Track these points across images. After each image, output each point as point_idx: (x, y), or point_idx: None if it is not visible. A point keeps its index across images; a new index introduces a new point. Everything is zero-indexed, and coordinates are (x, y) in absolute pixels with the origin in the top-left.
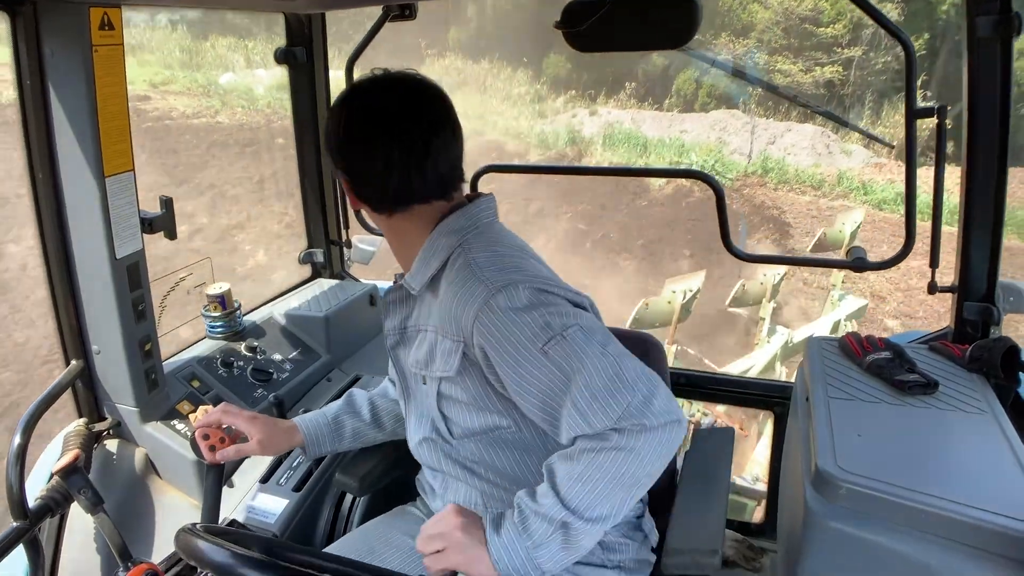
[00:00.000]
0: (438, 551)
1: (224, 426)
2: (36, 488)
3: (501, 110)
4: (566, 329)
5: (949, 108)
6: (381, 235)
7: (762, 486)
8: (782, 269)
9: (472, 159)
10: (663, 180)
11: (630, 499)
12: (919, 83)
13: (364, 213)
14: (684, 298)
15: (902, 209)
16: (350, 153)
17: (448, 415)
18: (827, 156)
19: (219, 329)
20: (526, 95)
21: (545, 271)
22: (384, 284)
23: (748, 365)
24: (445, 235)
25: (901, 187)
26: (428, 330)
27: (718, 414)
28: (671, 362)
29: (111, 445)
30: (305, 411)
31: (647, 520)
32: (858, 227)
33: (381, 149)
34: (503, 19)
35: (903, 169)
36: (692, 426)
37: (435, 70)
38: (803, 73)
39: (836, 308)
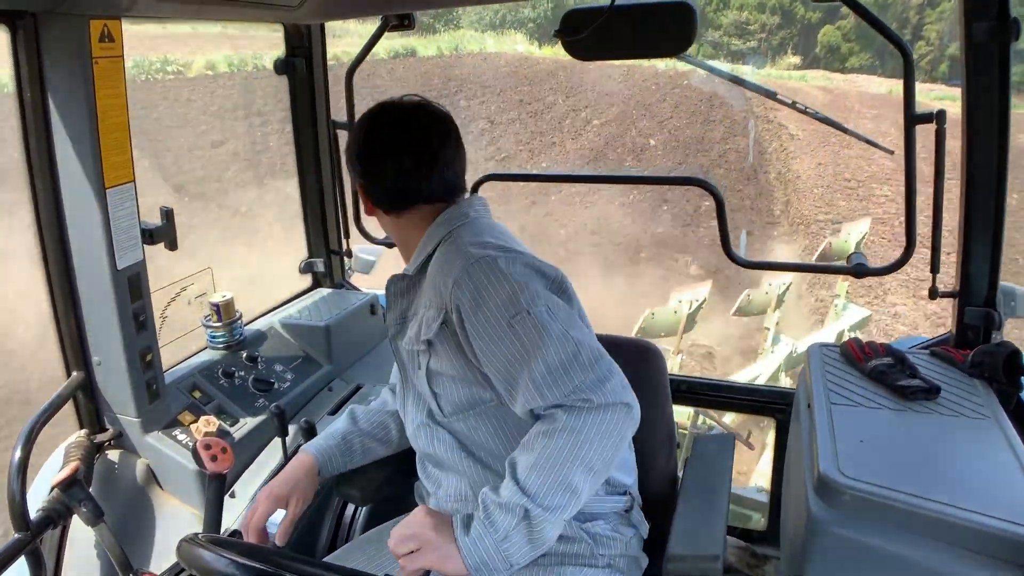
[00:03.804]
0: (412, 551)
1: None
2: (38, 499)
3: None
4: (533, 307)
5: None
6: (382, 245)
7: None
8: (787, 279)
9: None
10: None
11: (587, 485)
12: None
13: (377, 217)
14: (690, 308)
15: None
16: (368, 161)
17: (437, 391)
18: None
19: (220, 339)
20: None
21: (526, 251)
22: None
23: (753, 375)
24: (437, 226)
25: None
26: (420, 310)
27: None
28: (677, 371)
29: (113, 456)
30: (306, 422)
31: (636, 512)
32: (863, 237)
33: (394, 157)
34: None
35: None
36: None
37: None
38: (741, 44)
39: (840, 318)
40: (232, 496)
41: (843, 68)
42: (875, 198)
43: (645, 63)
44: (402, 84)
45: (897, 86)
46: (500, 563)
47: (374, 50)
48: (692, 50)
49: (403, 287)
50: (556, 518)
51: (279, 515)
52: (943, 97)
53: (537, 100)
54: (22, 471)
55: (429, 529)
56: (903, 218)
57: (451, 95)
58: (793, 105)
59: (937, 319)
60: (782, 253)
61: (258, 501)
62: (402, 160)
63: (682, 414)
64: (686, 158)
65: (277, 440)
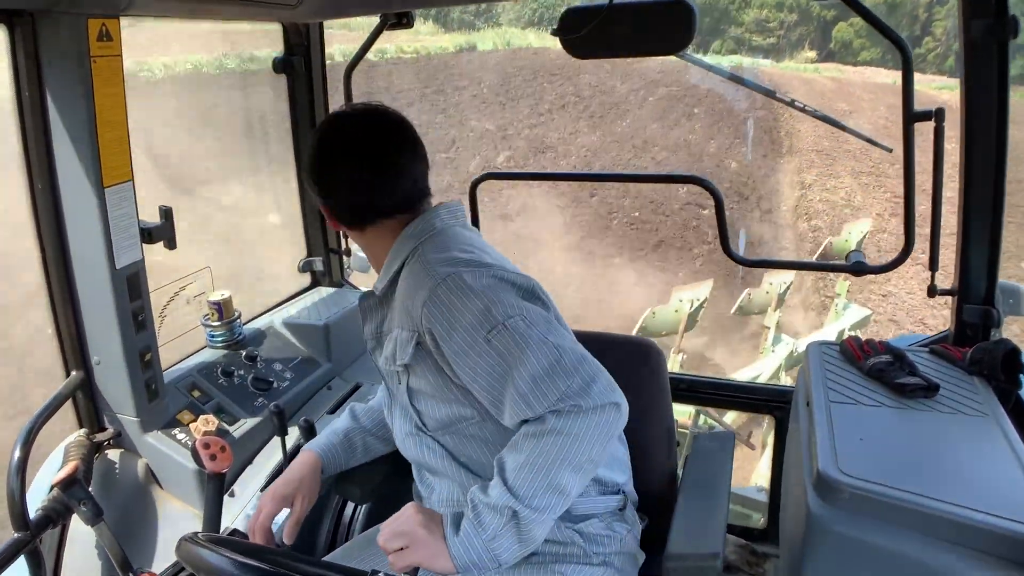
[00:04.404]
0: (401, 548)
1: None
2: (38, 499)
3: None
4: (508, 319)
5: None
6: None
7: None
8: (788, 279)
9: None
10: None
11: (575, 484)
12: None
13: (343, 230)
14: (691, 307)
15: None
16: (322, 177)
17: (419, 408)
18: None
19: (219, 338)
20: None
21: (493, 260)
22: None
23: (753, 375)
24: (403, 241)
25: None
26: (394, 328)
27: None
28: (677, 370)
29: (112, 455)
30: (305, 421)
31: (630, 510)
32: (864, 236)
33: (347, 171)
34: None
35: None
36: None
37: None
38: (762, 40)
39: (840, 318)
40: (231, 495)
41: (855, 61)
42: (852, 140)
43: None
44: (485, 70)
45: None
46: (489, 562)
47: (443, 45)
48: (716, 45)
49: (374, 303)
50: (545, 518)
51: (282, 514)
52: (943, 87)
53: (602, 83)
54: (21, 470)
55: (419, 526)
56: (873, 151)
57: (532, 80)
58: (792, 103)
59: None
60: (783, 167)
61: (263, 502)
62: (358, 174)
63: (682, 413)
64: (721, 119)
65: (276, 439)
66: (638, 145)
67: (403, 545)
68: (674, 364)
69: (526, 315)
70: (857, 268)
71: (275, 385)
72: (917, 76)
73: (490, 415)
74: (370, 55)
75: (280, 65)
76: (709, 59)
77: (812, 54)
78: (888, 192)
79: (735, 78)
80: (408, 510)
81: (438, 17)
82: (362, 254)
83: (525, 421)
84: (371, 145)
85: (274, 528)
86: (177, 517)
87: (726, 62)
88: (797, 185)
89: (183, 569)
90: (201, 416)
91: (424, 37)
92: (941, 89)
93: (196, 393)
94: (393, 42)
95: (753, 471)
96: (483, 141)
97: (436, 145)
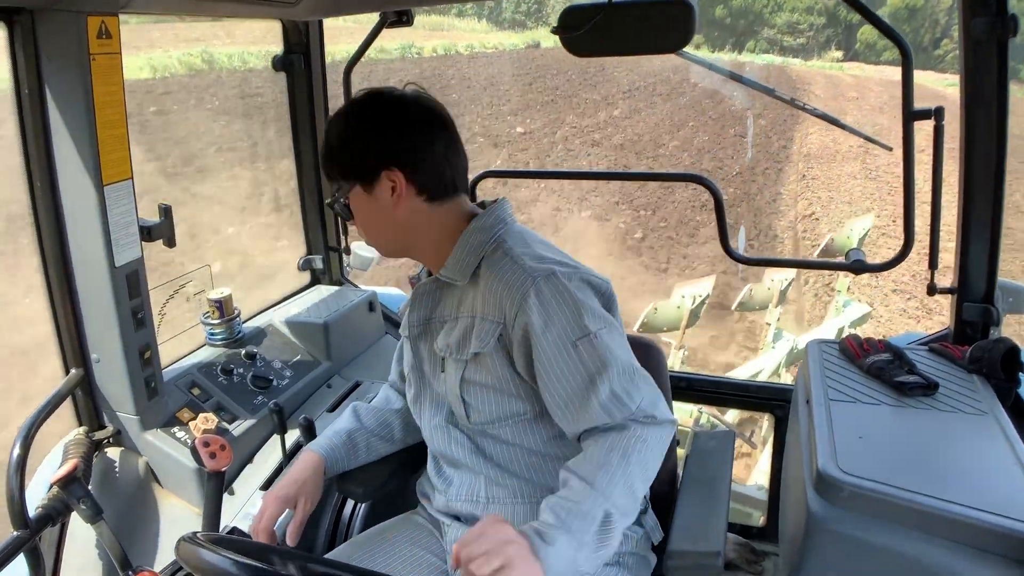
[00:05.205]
0: (496, 569)
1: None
2: (37, 497)
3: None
4: (598, 330)
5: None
6: None
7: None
8: (790, 275)
9: (676, 62)
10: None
11: (641, 494)
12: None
13: (392, 212)
14: (693, 303)
15: None
16: (412, 140)
17: (468, 400)
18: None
19: (218, 336)
20: None
21: (571, 261)
22: (384, 291)
23: (754, 371)
24: (478, 232)
25: None
26: (460, 317)
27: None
28: (679, 367)
29: (112, 453)
30: (305, 419)
31: (649, 516)
32: (866, 234)
33: (439, 138)
34: None
35: None
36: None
37: None
38: (793, 40)
39: (840, 314)
40: (231, 493)
41: (877, 61)
42: (848, 114)
43: (708, 55)
44: (559, 63)
45: (920, 75)
46: (573, 573)
47: (514, 43)
48: (750, 45)
49: (431, 288)
50: (627, 522)
51: (283, 515)
52: (951, 84)
53: (645, 76)
54: (21, 468)
55: (508, 544)
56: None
57: (600, 71)
58: (791, 102)
59: None
60: (796, 127)
61: (265, 503)
62: (444, 142)
63: (684, 412)
64: (747, 106)
65: (276, 437)
66: (692, 115)
67: (498, 566)
68: (675, 360)
69: (608, 327)
70: (856, 266)
71: (275, 383)
72: (934, 74)
73: (542, 413)
74: (459, 48)
75: (280, 63)
76: (744, 58)
77: (839, 54)
78: (861, 141)
79: (735, 76)
80: (494, 525)
81: (491, 17)
82: (363, 252)
83: (589, 429)
84: (447, 120)
85: (276, 530)
86: (177, 515)
87: (760, 61)
88: (803, 134)
89: (181, 568)
90: (201, 414)
91: (482, 34)
92: (948, 86)
93: (196, 391)
94: (476, 39)
95: (755, 468)
96: (598, 105)
97: (571, 105)
